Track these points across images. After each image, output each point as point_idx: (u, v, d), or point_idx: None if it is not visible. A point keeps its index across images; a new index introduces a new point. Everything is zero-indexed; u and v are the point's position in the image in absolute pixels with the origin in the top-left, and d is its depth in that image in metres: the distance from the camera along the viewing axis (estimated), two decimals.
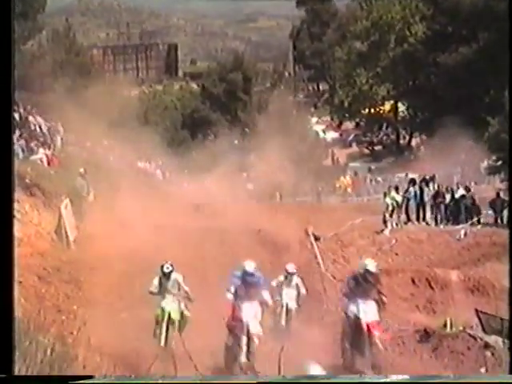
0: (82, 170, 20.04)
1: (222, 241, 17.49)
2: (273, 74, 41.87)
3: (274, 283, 13.11)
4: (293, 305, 13.46)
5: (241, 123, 33.10)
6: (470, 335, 10.93)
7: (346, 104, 36.51)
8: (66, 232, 17.09)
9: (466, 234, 19.25)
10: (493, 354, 10.36)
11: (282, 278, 13.43)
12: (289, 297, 13.44)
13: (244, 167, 28.47)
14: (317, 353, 10.58)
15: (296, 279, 13.48)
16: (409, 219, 21.30)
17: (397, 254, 18.94)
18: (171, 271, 12.08)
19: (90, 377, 8.86)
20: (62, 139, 24.58)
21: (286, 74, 43.88)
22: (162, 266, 12.16)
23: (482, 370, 9.98)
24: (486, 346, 10.54)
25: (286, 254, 17.23)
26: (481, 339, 10.72)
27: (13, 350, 7.70)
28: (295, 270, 13.40)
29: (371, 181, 31.22)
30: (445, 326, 11.80)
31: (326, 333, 12.66)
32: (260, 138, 27.15)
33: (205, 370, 10.97)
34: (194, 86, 38.41)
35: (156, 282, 12.25)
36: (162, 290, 12.15)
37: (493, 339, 10.73)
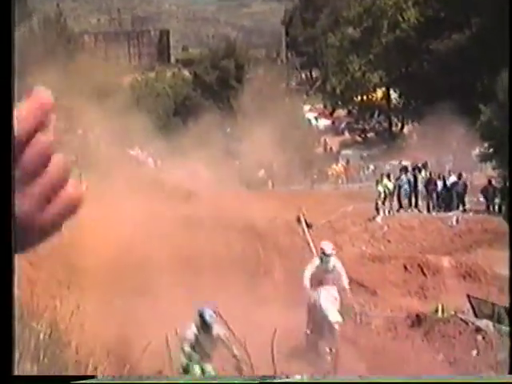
0: (73, 157, 20.06)
1: (214, 229, 17.53)
2: (265, 61, 41.85)
3: (307, 274, 10.58)
4: (335, 317, 10.35)
5: (233, 111, 33.08)
6: (461, 320, 11.06)
7: (338, 91, 36.56)
8: None
9: (457, 221, 19.40)
10: (484, 338, 10.51)
11: (316, 261, 10.80)
12: (329, 300, 10.48)
13: (236, 155, 28.51)
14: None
15: (334, 261, 10.70)
16: (401, 206, 21.45)
17: (389, 241, 19.07)
18: (213, 322, 8.98)
19: (92, 377, 8.90)
20: (53, 127, 24.51)
21: (279, 60, 43.86)
22: (202, 314, 9.04)
23: (474, 352, 10.14)
24: (477, 330, 10.68)
25: (278, 241, 17.31)
26: (472, 323, 10.85)
27: (13, 350, 7.80)
28: (333, 251, 10.75)
29: (363, 168, 31.34)
30: (436, 311, 11.92)
31: None
32: (252, 126, 27.17)
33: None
34: (186, 73, 38.36)
35: (191, 335, 9.09)
36: (198, 350, 9.11)
37: (484, 323, 10.88)
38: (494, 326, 11.02)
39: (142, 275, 13.41)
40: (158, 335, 11.78)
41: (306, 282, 10.46)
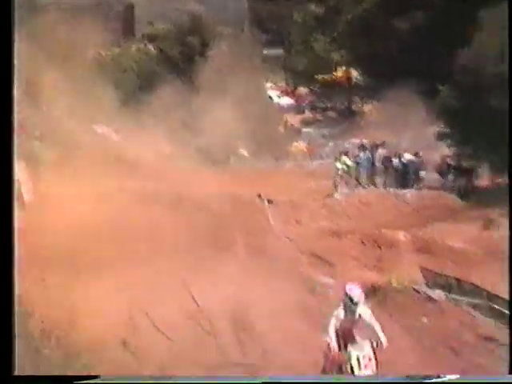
0: (37, 132, 19.85)
1: (175, 206, 17.62)
2: (229, 37, 41.60)
3: (332, 331, 8.62)
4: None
5: (197, 87, 32.97)
6: (414, 290, 11.45)
7: (301, 69, 36.64)
8: (21, 195, 17.03)
9: (413, 197, 19.86)
10: (436, 307, 10.90)
11: (341, 312, 8.80)
12: (362, 363, 8.67)
13: (199, 131, 28.50)
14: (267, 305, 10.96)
15: (361, 308, 8.77)
16: (359, 183, 21.83)
17: (347, 217, 19.42)
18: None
19: (95, 377, 8.96)
20: (17, 102, 24.16)
21: (243, 37, 43.65)
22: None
23: (424, 319, 10.53)
24: (430, 299, 11.08)
25: (239, 217, 17.49)
26: (424, 293, 11.24)
27: (13, 350, 7.75)
28: (362, 298, 8.75)
29: (324, 146, 31.62)
30: (391, 282, 12.29)
31: (280, 291, 12.96)
32: (215, 103, 27.20)
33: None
34: (152, 48, 37.96)
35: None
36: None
37: (436, 293, 11.29)
38: (446, 295, 11.44)
39: (105, 250, 13.48)
40: (121, 307, 11.93)
41: (333, 342, 8.62)
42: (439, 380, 8.24)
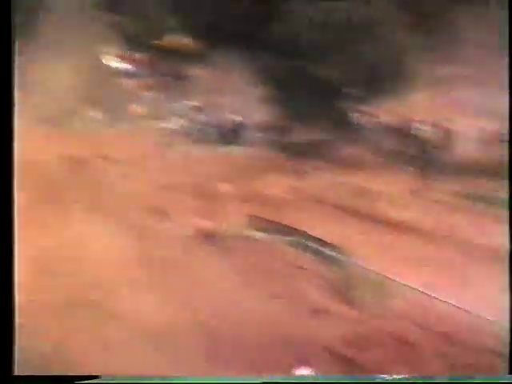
0: None
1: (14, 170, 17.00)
2: (68, 3, 40.02)
3: None
4: None
5: (37, 48, 31.60)
6: (241, 234, 12.16)
7: (137, 35, 36.14)
8: None
9: (240, 154, 20.62)
10: (260, 247, 11.73)
11: None
12: None
13: (37, 93, 27.39)
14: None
15: None
16: (192, 141, 22.24)
17: (182, 172, 19.80)
18: None
19: (96, 377, 8.60)
20: None
21: (83, 2, 42.11)
22: None
23: (250, 258, 11.26)
24: (255, 241, 11.87)
25: (78, 177, 17.26)
26: (250, 236, 11.99)
27: (13, 350, 7.78)
28: None
29: (160, 108, 31.65)
30: (222, 228, 12.89)
31: (118, 241, 13.15)
32: (55, 66, 26.23)
33: None
34: None
35: None
36: None
37: (260, 235, 12.13)
38: (269, 237, 12.32)
39: None
40: None
41: None
42: (436, 380, 8.25)
